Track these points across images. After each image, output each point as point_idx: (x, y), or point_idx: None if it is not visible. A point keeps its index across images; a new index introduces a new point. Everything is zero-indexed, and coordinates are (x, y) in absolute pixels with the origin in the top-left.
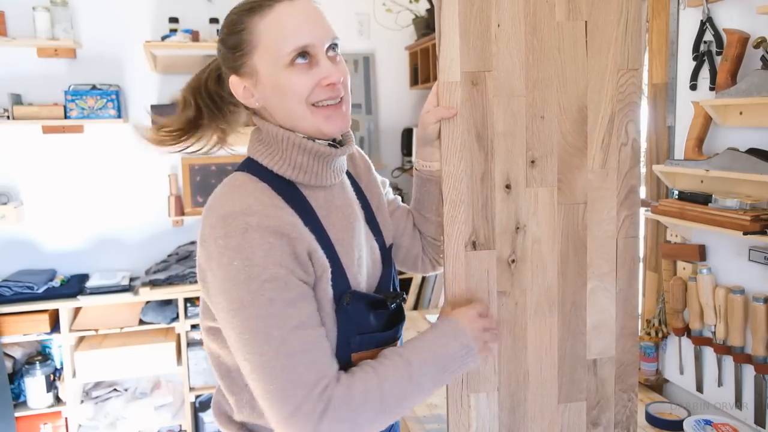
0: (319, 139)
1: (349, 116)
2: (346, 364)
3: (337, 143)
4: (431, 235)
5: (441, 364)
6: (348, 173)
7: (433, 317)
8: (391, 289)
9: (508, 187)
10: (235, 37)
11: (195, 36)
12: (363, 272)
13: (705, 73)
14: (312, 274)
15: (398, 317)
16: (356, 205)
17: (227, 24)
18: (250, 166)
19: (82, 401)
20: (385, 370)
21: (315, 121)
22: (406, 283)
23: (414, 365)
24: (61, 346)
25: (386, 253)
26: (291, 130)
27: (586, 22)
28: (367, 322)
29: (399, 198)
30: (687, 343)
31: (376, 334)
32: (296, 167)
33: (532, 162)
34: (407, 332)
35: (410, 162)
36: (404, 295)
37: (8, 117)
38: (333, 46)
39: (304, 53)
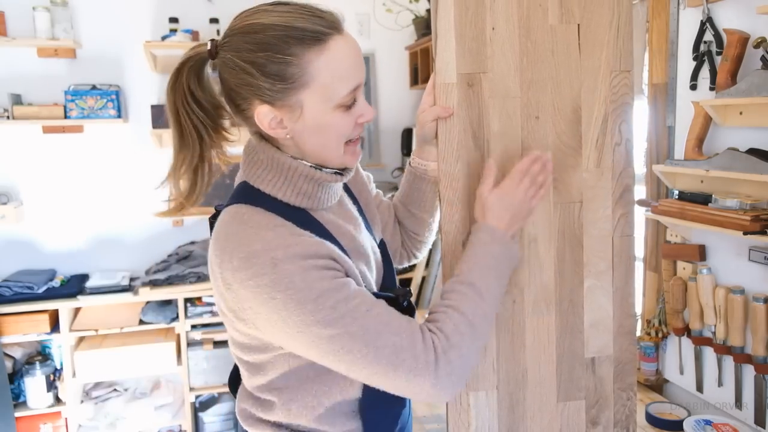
0: (326, 167)
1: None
2: None
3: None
4: (413, 230)
5: (496, 270)
6: None
7: None
8: (396, 285)
9: None
10: (278, 67)
11: (195, 36)
12: (374, 274)
13: (705, 73)
14: (344, 273)
15: (410, 311)
16: (354, 214)
17: (265, 46)
18: (249, 195)
19: (82, 401)
20: (459, 303)
21: (345, 157)
22: (406, 283)
23: (478, 285)
24: (61, 346)
25: (383, 249)
26: (297, 158)
27: (578, 25)
28: None
29: (381, 193)
30: (687, 343)
31: None
32: (301, 194)
33: None
34: None
35: None
36: (410, 291)
37: (8, 117)
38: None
39: (354, 99)
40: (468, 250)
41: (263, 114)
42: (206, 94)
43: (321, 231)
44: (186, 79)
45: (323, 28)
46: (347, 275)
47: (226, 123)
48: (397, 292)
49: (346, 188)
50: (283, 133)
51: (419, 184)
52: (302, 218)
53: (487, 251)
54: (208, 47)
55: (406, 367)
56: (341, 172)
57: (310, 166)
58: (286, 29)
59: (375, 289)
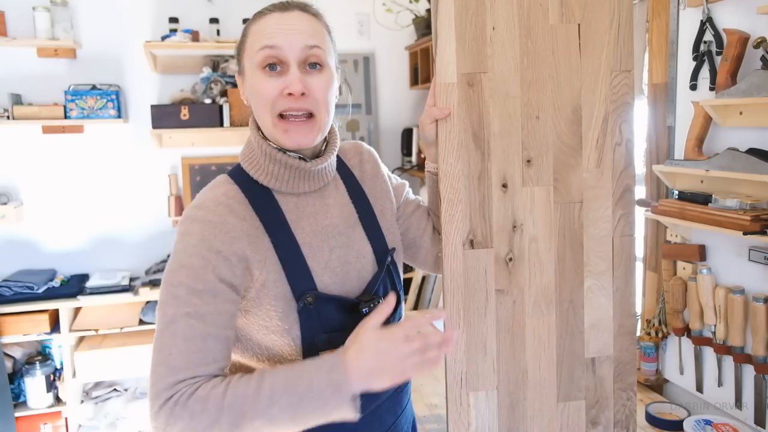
0: (290, 150)
1: (314, 133)
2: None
3: (314, 155)
4: None
5: (298, 395)
6: (353, 176)
7: None
8: (382, 292)
9: (504, 186)
10: (240, 40)
11: (195, 36)
12: (337, 275)
13: (705, 73)
14: (241, 276)
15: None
16: (338, 211)
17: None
18: (234, 168)
19: (82, 401)
20: (238, 385)
21: (275, 131)
22: (406, 284)
23: (266, 387)
24: (61, 346)
25: (382, 256)
26: (266, 138)
27: (579, 24)
28: (337, 322)
29: (420, 199)
30: (687, 343)
31: (348, 332)
32: (268, 174)
33: (528, 161)
34: None
35: (410, 162)
36: (380, 299)
37: (8, 117)
38: (314, 63)
39: (273, 63)
40: (306, 361)
41: (239, 84)
42: None
43: (275, 214)
44: None
45: (269, 8)
46: (255, 279)
47: None
48: (362, 298)
49: (358, 188)
50: (245, 99)
51: (438, 188)
52: (263, 198)
53: (314, 377)
54: None
55: (155, 381)
56: (305, 158)
57: (275, 148)
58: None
59: (329, 289)
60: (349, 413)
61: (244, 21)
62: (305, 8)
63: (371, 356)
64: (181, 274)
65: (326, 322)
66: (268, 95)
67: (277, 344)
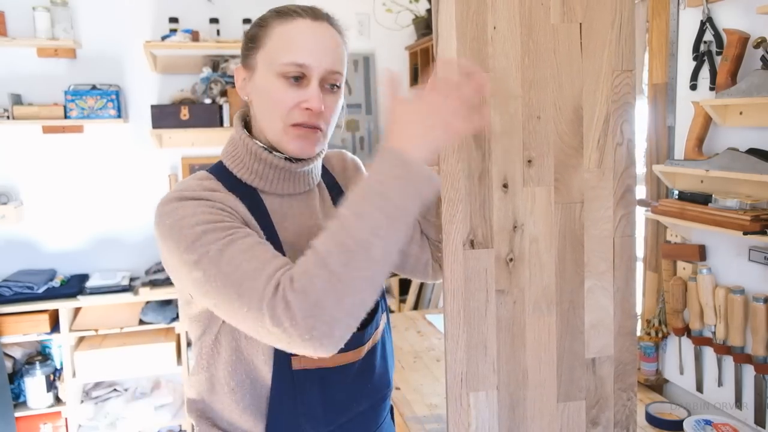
0: (278, 151)
1: (318, 145)
2: (287, 363)
3: (296, 158)
4: (436, 238)
5: (380, 196)
6: (336, 184)
7: (433, 317)
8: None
9: (505, 186)
10: (254, 30)
11: (195, 36)
12: None
13: (705, 73)
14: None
15: (370, 314)
16: (323, 214)
17: (257, 18)
18: (215, 166)
19: (82, 401)
20: (318, 240)
21: (285, 137)
22: (406, 284)
23: (344, 215)
24: (61, 346)
25: None
26: (252, 136)
27: (580, 24)
28: None
29: None
30: (687, 343)
31: None
32: (253, 173)
33: (529, 161)
34: (407, 332)
35: None
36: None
37: (8, 117)
38: (332, 84)
39: (297, 75)
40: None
41: (237, 72)
42: None
43: (259, 211)
44: None
45: (299, 11)
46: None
47: None
48: None
49: (343, 195)
50: (244, 93)
51: None
52: (247, 195)
53: (371, 177)
54: None
55: (248, 296)
56: (292, 159)
57: (261, 146)
58: (277, 8)
59: None
60: (425, 173)
61: (245, 21)
62: (333, 22)
63: (411, 125)
64: (198, 229)
65: None
66: (284, 104)
67: (249, 343)
